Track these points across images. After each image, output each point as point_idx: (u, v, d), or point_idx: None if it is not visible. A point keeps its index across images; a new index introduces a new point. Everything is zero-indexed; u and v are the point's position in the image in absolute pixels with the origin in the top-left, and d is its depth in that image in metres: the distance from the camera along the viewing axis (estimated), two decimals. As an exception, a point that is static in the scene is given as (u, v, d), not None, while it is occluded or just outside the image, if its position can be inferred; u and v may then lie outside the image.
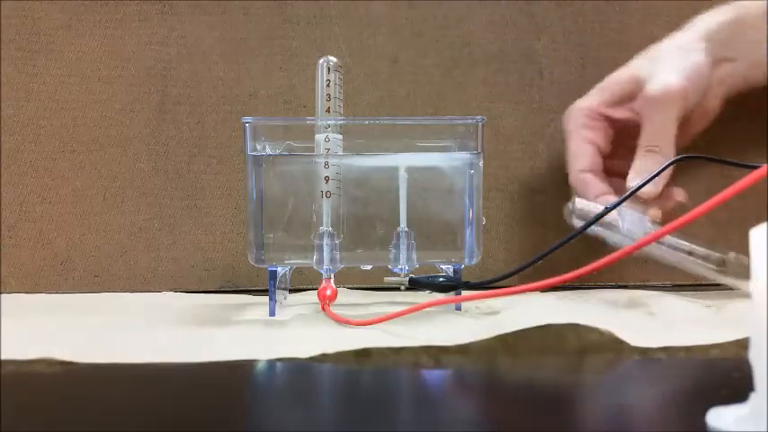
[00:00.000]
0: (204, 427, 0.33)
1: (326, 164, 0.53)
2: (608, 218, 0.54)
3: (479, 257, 0.55)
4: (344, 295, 0.59)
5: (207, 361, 0.42)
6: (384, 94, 0.67)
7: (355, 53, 0.67)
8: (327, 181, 0.53)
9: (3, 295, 0.63)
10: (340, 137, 0.54)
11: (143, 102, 0.66)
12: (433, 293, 0.54)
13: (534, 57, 0.68)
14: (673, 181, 0.59)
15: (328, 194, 0.53)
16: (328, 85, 0.54)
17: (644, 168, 0.57)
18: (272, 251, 0.54)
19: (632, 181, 0.57)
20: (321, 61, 0.54)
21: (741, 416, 0.30)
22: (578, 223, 0.56)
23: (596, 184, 0.60)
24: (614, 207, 0.53)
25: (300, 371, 0.41)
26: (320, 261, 0.53)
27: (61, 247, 0.66)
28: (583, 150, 0.61)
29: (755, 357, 0.30)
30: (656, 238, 0.40)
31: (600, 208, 0.55)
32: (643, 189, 0.55)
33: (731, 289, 0.54)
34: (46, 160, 0.66)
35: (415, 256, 0.54)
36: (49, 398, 0.37)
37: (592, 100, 0.62)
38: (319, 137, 0.53)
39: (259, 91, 0.67)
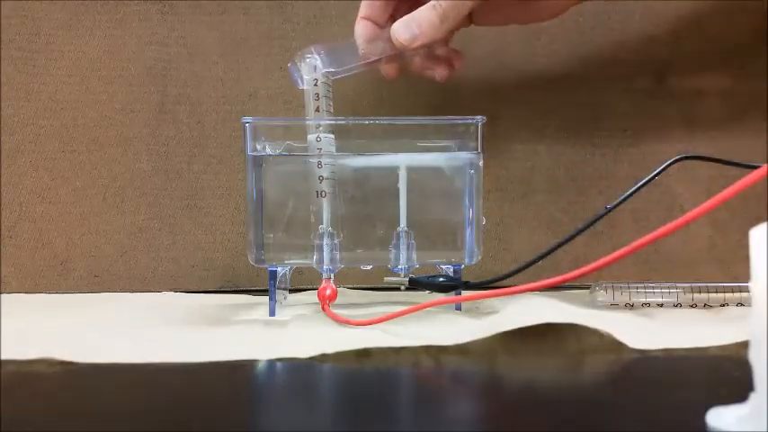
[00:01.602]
0: (204, 427, 0.33)
1: (320, 163, 0.53)
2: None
3: (479, 257, 0.55)
4: (344, 295, 0.59)
5: (207, 361, 0.42)
6: (384, 94, 0.67)
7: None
8: (321, 180, 0.53)
9: (3, 295, 0.63)
10: (332, 136, 0.53)
11: (143, 102, 0.66)
12: (433, 293, 0.54)
13: (534, 57, 0.68)
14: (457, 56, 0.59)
15: (324, 194, 0.53)
16: (315, 84, 0.54)
17: (410, 20, 0.54)
18: (272, 251, 0.54)
19: (394, 27, 0.54)
20: (308, 61, 0.54)
21: (741, 416, 0.30)
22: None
23: (368, 29, 0.56)
24: (614, 207, 0.53)
25: (300, 371, 0.41)
26: (320, 261, 0.53)
27: (61, 247, 0.66)
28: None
29: (755, 357, 0.30)
30: (653, 240, 0.39)
31: None
32: (400, 36, 0.53)
33: (732, 291, 0.54)
34: (46, 160, 0.66)
35: (415, 256, 0.54)
36: (49, 398, 0.37)
37: None
38: (311, 137, 0.53)
39: (259, 91, 0.67)
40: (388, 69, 0.58)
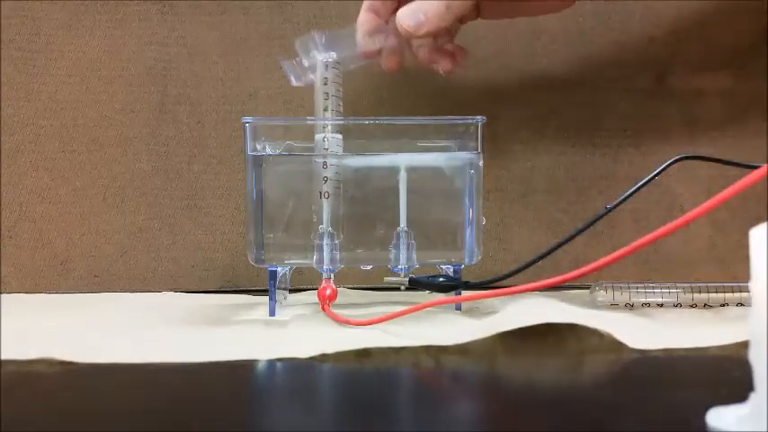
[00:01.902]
0: (204, 427, 0.33)
1: (325, 164, 0.53)
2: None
3: (479, 257, 0.55)
4: (344, 295, 0.59)
5: (207, 361, 0.42)
6: (384, 94, 0.67)
7: (355, 53, 0.67)
8: (326, 181, 0.53)
9: (3, 295, 0.63)
10: (339, 136, 0.53)
11: (143, 102, 0.66)
12: (433, 293, 0.54)
13: (534, 57, 0.68)
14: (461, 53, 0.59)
15: (327, 195, 0.53)
16: (326, 84, 0.54)
17: (416, 7, 0.54)
18: (272, 251, 0.54)
19: (399, 13, 0.54)
20: (319, 58, 0.54)
21: (741, 416, 0.30)
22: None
23: (371, 20, 0.56)
24: (614, 207, 0.53)
25: (300, 371, 0.41)
26: (320, 261, 0.53)
27: (61, 247, 0.66)
28: None
29: (755, 357, 0.30)
30: (653, 240, 0.39)
31: None
32: (405, 23, 0.53)
33: (732, 291, 0.54)
34: (46, 160, 0.66)
35: (415, 256, 0.54)
36: (49, 398, 0.37)
37: None
38: (318, 136, 0.53)
39: (259, 91, 0.67)
40: (390, 62, 0.58)
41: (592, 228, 0.54)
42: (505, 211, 0.67)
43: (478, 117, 0.54)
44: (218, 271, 0.66)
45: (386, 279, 0.53)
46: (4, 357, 0.41)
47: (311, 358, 0.42)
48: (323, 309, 0.52)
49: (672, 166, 0.54)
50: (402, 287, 0.53)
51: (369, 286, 0.63)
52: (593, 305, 0.54)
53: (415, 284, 0.53)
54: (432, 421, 0.34)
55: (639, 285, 0.54)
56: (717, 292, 0.54)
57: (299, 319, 0.52)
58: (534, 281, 0.46)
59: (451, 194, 0.55)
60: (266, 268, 0.54)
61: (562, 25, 0.68)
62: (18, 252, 0.65)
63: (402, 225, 0.54)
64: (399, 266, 0.54)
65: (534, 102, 0.68)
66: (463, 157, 0.54)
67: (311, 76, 0.55)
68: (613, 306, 0.54)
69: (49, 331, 0.49)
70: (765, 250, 0.29)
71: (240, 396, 0.38)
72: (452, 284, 0.53)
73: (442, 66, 0.58)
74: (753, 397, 0.30)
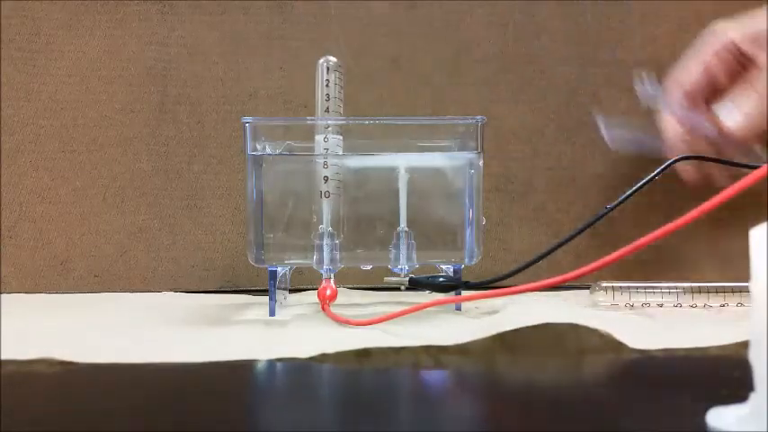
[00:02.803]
0: (204, 427, 0.33)
1: (325, 164, 0.53)
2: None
3: (479, 257, 0.55)
4: (344, 295, 0.59)
5: (207, 361, 0.42)
6: (384, 94, 0.67)
7: (355, 53, 0.67)
8: (326, 181, 0.53)
9: (3, 295, 0.63)
10: (339, 137, 0.53)
11: (143, 102, 0.66)
12: (433, 293, 0.54)
13: (534, 57, 0.68)
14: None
15: (327, 195, 0.53)
16: (327, 85, 0.54)
17: (741, 104, 0.56)
18: (272, 251, 0.54)
19: (723, 108, 0.56)
20: (321, 61, 0.54)
21: (741, 416, 0.30)
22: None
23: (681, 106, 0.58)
24: (614, 207, 0.53)
25: (300, 371, 0.41)
26: (320, 261, 0.53)
27: (61, 247, 0.66)
28: (696, 73, 0.59)
29: (755, 357, 0.30)
30: (653, 240, 0.39)
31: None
32: (730, 123, 0.55)
33: (732, 291, 0.54)
34: (46, 160, 0.66)
35: (415, 256, 0.54)
36: (49, 398, 0.37)
37: (739, 29, 0.58)
38: (319, 137, 0.53)
39: (259, 91, 0.67)
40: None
41: (592, 228, 0.54)
42: (505, 211, 0.67)
43: (478, 117, 0.54)
44: (218, 271, 0.66)
45: (386, 279, 0.53)
46: (4, 357, 0.41)
47: (311, 358, 0.42)
48: (323, 309, 0.52)
49: (672, 166, 0.54)
50: (402, 287, 0.53)
51: (369, 286, 0.63)
52: (593, 305, 0.54)
53: (415, 284, 0.53)
54: (432, 421, 0.34)
55: (639, 285, 0.54)
56: (717, 292, 0.54)
57: (299, 319, 0.52)
58: (534, 281, 0.46)
59: (451, 194, 0.55)
60: (266, 268, 0.54)
61: (562, 25, 0.68)
62: (18, 252, 0.65)
63: (402, 225, 0.54)
64: (399, 266, 0.54)
65: (534, 102, 0.68)
66: (463, 157, 0.54)
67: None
68: (613, 306, 0.54)
69: (49, 331, 0.49)
70: (765, 250, 0.29)
71: (240, 396, 0.38)
72: (452, 284, 0.53)
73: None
74: (753, 397, 0.30)
